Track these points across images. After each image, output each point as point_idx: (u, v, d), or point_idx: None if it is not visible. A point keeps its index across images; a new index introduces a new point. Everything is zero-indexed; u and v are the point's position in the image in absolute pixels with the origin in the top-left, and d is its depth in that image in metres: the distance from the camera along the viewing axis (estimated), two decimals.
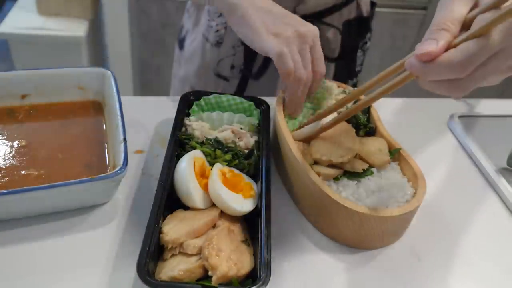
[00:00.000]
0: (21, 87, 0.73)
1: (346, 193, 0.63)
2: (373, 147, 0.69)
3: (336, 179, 0.65)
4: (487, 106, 1.01)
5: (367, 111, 0.76)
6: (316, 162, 0.66)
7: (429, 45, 0.45)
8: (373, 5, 1.06)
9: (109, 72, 0.74)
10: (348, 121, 0.73)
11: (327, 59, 1.00)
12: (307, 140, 0.70)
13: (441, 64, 0.44)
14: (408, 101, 0.99)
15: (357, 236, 0.62)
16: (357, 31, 1.04)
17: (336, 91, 0.79)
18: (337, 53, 1.02)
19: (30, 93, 0.73)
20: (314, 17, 0.96)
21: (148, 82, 2.20)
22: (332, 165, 0.66)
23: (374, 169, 0.67)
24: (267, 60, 0.98)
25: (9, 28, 1.73)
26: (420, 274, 0.62)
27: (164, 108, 0.82)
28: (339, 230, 0.63)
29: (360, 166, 0.65)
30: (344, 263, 0.62)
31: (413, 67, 0.47)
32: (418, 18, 2.07)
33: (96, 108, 0.75)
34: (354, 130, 0.71)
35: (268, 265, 0.52)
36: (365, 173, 0.66)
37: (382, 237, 0.62)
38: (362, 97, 0.68)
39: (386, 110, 0.90)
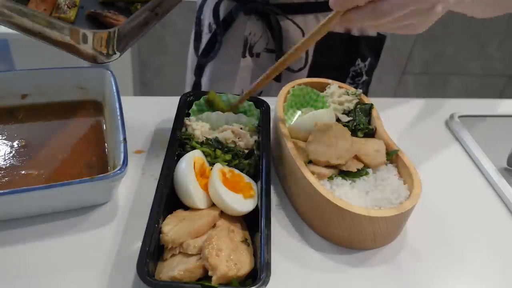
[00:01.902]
0: (21, 87, 0.73)
1: (339, 193, 0.62)
2: (370, 148, 0.69)
3: (330, 178, 0.65)
4: (487, 106, 1.01)
5: (369, 112, 0.76)
6: (311, 161, 0.66)
7: None
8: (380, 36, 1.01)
9: (109, 72, 0.74)
10: (346, 124, 0.74)
11: (288, 68, 0.96)
12: (304, 137, 0.70)
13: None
14: (408, 101, 0.99)
15: (349, 236, 0.62)
16: (338, 50, 0.98)
17: (338, 92, 0.79)
18: (302, 64, 0.97)
19: (30, 93, 0.73)
20: (281, 9, 0.92)
21: (148, 82, 2.20)
22: (328, 165, 0.66)
23: (369, 170, 0.67)
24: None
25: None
26: (420, 274, 0.62)
27: (164, 108, 0.82)
28: (332, 230, 0.63)
29: (355, 166, 0.65)
30: (344, 264, 0.62)
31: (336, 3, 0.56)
32: None
33: (96, 108, 0.75)
34: (350, 132, 0.71)
35: (268, 265, 0.52)
36: (360, 173, 0.65)
37: (374, 238, 0.62)
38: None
39: (386, 110, 0.90)
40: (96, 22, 0.65)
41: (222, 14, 0.99)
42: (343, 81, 1.02)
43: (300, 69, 0.97)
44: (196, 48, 1.11)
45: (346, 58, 1.01)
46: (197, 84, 1.13)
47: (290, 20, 0.93)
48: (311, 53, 0.97)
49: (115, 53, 0.56)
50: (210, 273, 0.52)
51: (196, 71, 1.11)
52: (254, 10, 0.94)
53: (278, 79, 1.00)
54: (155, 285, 0.49)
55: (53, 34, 0.55)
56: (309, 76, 0.99)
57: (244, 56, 1.00)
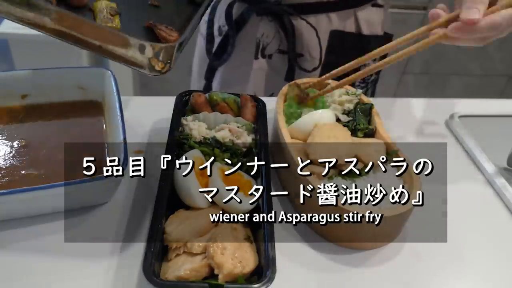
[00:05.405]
0: (21, 87, 0.73)
1: (339, 193, 0.62)
2: (370, 148, 0.69)
3: (330, 178, 0.65)
4: (487, 106, 1.01)
5: (369, 112, 0.76)
6: (311, 161, 0.66)
7: (474, 14, 0.60)
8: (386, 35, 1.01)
9: (109, 72, 0.73)
10: (346, 124, 0.74)
11: (301, 68, 0.97)
12: (304, 137, 0.70)
13: (484, 27, 0.60)
14: (408, 101, 0.99)
15: (349, 236, 0.62)
16: (350, 49, 0.98)
17: (338, 92, 0.79)
18: (316, 64, 0.98)
19: (30, 93, 0.73)
20: (294, 9, 0.92)
21: (147, 83, 2.19)
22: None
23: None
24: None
25: (9, 28, 1.73)
26: (420, 274, 0.62)
27: (164, 108, 0.82)
28: (332, 230, 0.63)
29: (355, 166, 0.65)
30: (344, 264, 0.62)
31: (458, 30, 0.62)
32: (418, 18, 2.07)
33: (96, 108, 0.75)
34: (350, 132, 0.70)
35: (273, 261, 0.52)
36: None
37: (374, 238, 0.62)
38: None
39: (386, 111, 0.90)
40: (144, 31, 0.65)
41: (234, 16, 0.99)
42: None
43: (314, 69, 0.98)
44: (209, 51, 1.08)
45: (358, 56, 1.01)
46: (207, 88, 1.12)
47: (304, 20, 0.92)
48: (324, 52, 0.97)
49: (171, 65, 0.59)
50: (216, 272, 0.52)
51: (207, 75, 1.09)
52: (267, 11, 0.94)
53: (291, 79, 0.99)
54: (162, 286, 0.49)
55: (119, 50, 0.56)
56: (321, 75, 0.99)
57: (256, 58, 0.99)
